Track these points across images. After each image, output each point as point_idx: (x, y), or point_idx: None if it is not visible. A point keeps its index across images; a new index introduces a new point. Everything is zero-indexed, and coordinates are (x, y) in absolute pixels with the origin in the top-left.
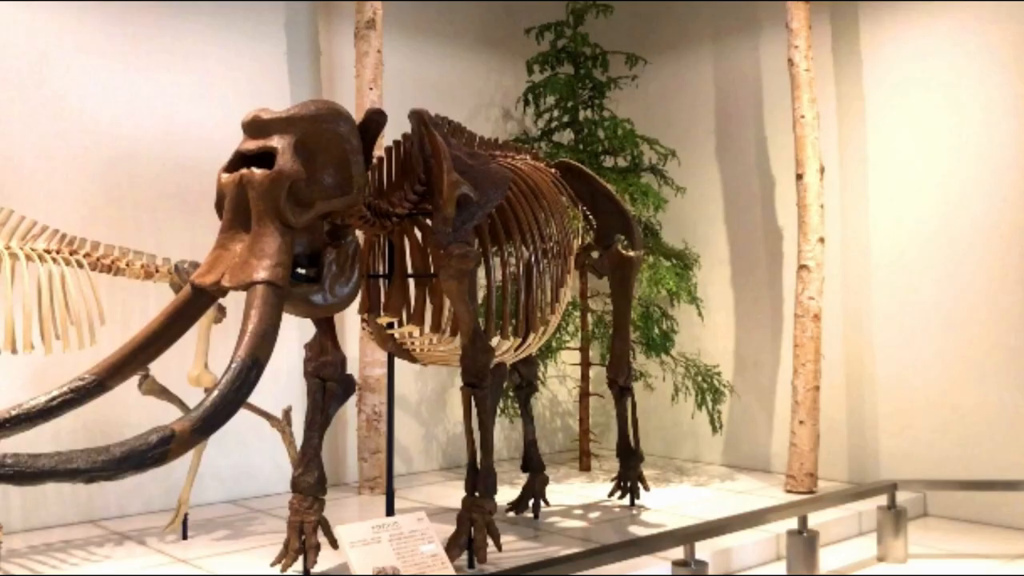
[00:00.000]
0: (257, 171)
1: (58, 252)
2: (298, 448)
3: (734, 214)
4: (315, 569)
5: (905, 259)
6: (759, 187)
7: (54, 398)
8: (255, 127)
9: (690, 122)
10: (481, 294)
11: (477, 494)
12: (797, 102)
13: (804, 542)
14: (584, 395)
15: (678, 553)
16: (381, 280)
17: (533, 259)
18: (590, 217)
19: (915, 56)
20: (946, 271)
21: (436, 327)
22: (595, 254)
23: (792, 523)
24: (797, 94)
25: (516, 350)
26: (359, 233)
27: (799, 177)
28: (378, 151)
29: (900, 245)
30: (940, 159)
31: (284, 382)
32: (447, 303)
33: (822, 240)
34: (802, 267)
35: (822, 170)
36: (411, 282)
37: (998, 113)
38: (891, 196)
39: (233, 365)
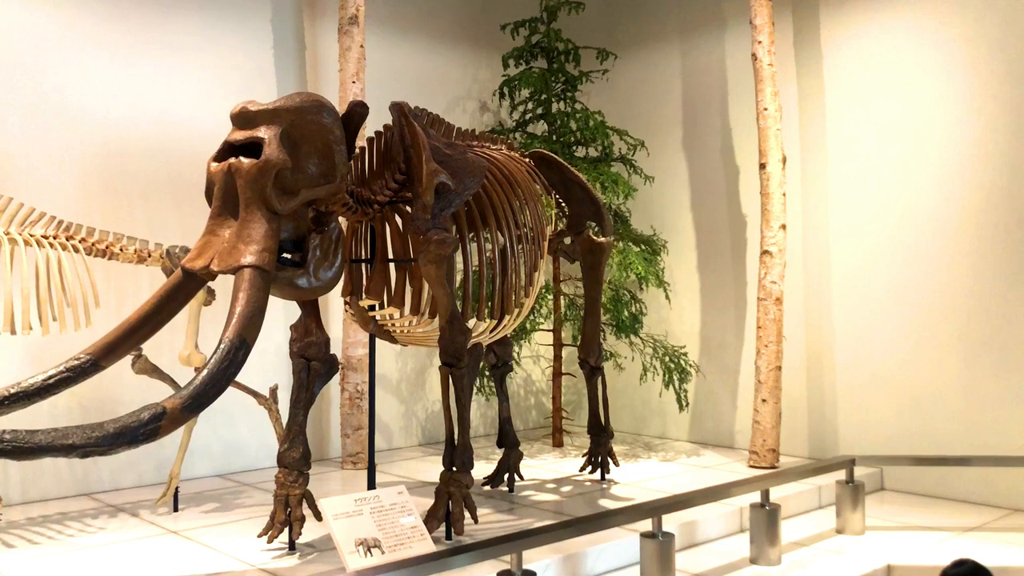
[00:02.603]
0: (245, 160)
1: (55, 238)
2: (284, 425)
3: (700, 202)
4: (300, 540)
5: (863, 245)
6: (724, 176)
7: (51, 377)
8: (243, 118)
9: (658, 114)
10: (458, 278)
11: (455, 469)
12: (760, 95)
13: (766, 515)
14: (557, 374)
15: (646, 525)
16: (363, 265)
17: (508, 245)
18: (563, 205)
19: (873, 51)
20: (902, 256)
21: (415, 309)
22: (567, 240)
23: (755, 497)
24: (760, 87)
25: (492, 332)
26: (342, 220)
27: (762, 167)
28: (360, 141)
29: (858, 231)
30: (897, 149)
31: (271, 362)
32: (426, 287)
33: (784, 227)
34: (765, 252)
35: (784, 160)
36: (392, 266)
37: (952, 105)
38: (850, 185)
39: (222, 345)
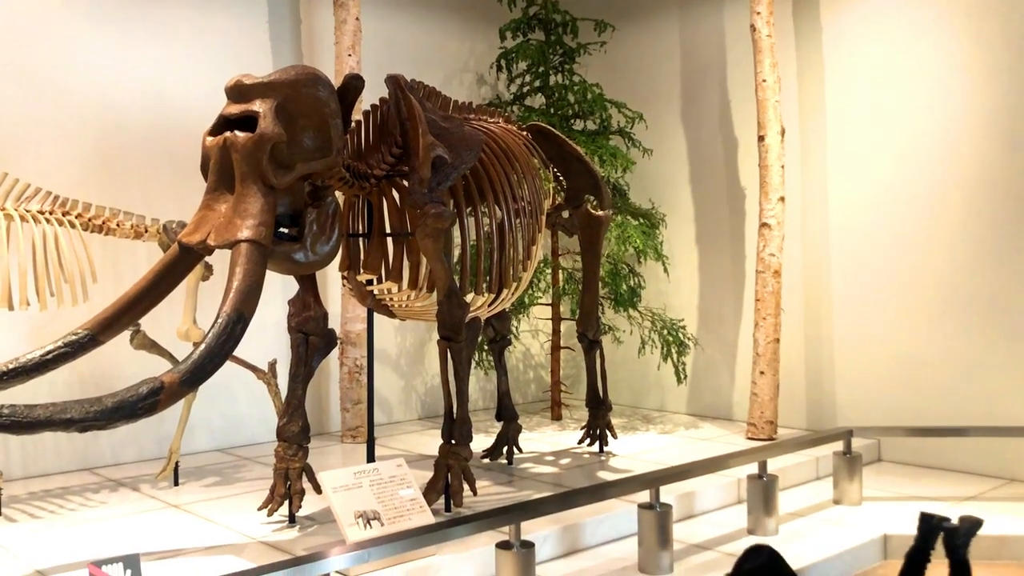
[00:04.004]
0: (240, 134)
1: (51, 213)
2: (283, 399)
3: (699, 175)
4: (300, 513)
5: (862, 217)
6: (723, 149)
7: (49, 352)
8: (238, 92)
9: (657, 86)
10: (456, 252)
11: (454, 442)
12: (759, 66)
13: (764, 486)
14: (555, 348)
15: (644, 497)
16: (360, 239)
17: (506, 218)
18: (560, 178)
19: (873, 21)
20: (901, 228)
21: (413, 284)
22: (565, 213)
23: (752, 468)
24: (759, 59)
25: (490, 305)
26: (339, 194)
27: (761, 139)
28: (356, 115)
29: (857, 203)
30: (896, 121)
31: (269, 336)
32: (424, 261)
33: (782, 199)
34: (763, 225)
35: (783, 132)
36: (389, 241)
37: (952, 76)
38: (849, 156)
39: (219, 320)
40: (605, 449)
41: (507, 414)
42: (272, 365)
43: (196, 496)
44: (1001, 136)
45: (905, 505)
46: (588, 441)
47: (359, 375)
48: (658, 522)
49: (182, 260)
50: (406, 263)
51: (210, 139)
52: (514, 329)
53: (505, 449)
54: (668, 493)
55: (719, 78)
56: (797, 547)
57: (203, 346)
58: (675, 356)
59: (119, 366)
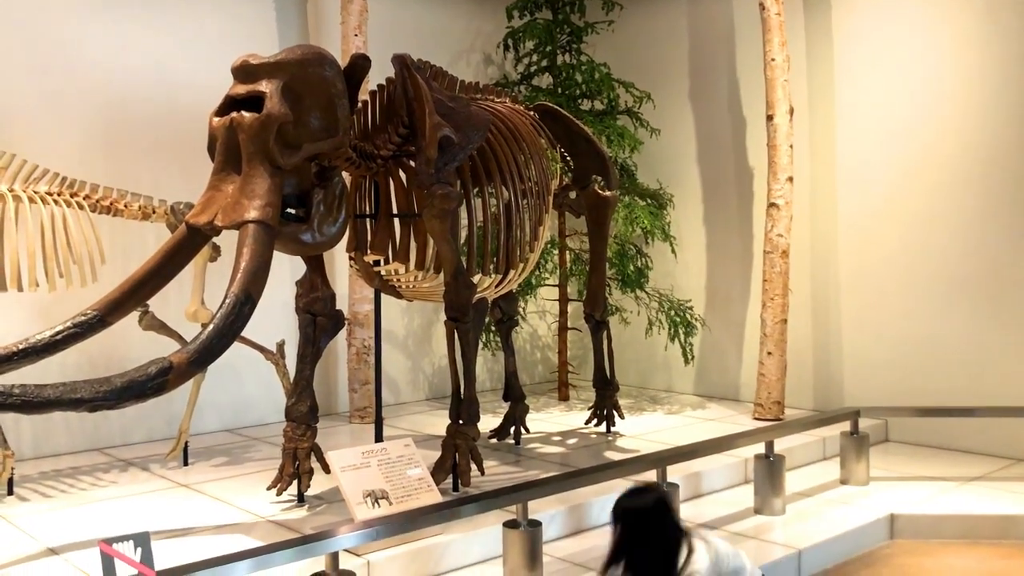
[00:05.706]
0: (246, 114)
1: (59, 194)
2: (291, 379)
3: (707, 155)
4: (308, 492)
5: (870, 198)
6: (731, 128)
7: (58, 333)
8: (244, 72)
9: (665, 66)
10: (463, 233)
11: (461, 422)
12: (768, 45)
13: (770, 466)
14: (562, 329)
15: (651, 476)
16: (367, 220)
17: (513, 199)
18: (568, 158)
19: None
20: (910, 208)
21: (420, 264)
22: (573, 194)
23: (759, 448)
24: (768, 37)
25: (497, 286)
26: (345, 175)
27: (769, 118)
28: (363, 95)
29: (866, 184)
30: (905, 101)
31: (277, 317)
32: (431, 242)
33: (791, 179)
34: (771, 205)
35: (791, 112)
36: (396, 222)
37: (964, 55)
38: (858, 136)
39: (227, 300)
40: (612, 429)
41: (514, 394)
42: (280, 346)
43: (205, 476)
44: (1013, 117)
45: (912, 485)
46: (595, 421)
47: (367, 356)
48: None
49: (190, 241)
50: (413, 244)
51: (217, 119)
52: (521, 310)
53: (512, 429)
54: (675, 473)
55: (727, 57)
56: (804, 526)
57: (211, 327)
58: (682, 337)
59: (128, 347)
